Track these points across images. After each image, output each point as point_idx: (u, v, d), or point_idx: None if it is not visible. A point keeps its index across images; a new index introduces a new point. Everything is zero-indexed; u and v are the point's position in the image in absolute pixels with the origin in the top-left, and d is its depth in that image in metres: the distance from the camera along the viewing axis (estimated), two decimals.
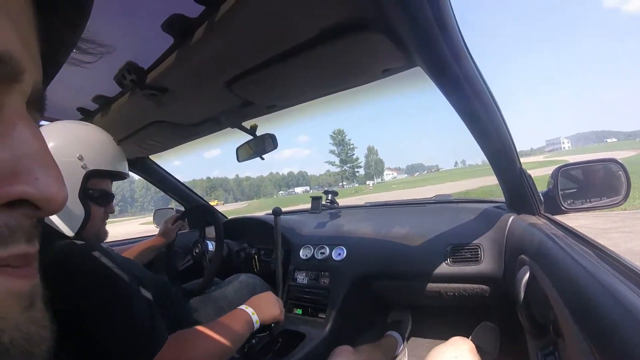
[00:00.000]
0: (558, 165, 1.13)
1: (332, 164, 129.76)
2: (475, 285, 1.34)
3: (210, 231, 1.95)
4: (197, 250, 1.62)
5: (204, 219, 2.09)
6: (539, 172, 12.39)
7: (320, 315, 1.51)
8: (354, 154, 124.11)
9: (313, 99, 1.14)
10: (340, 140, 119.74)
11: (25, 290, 0.23)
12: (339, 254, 1.59)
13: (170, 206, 2.39)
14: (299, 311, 1.58)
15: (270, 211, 1.55)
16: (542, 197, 1.16)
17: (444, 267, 1.34)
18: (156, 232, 1.63)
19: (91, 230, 0.95)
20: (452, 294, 1.41)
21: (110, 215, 1.03)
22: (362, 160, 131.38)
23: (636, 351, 0.40)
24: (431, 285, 1.42)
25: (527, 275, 0.85)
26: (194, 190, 2.23)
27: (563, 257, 0.72)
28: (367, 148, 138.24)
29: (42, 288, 0.25)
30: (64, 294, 0.74)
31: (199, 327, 0.91)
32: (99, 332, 0.76)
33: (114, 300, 0.79)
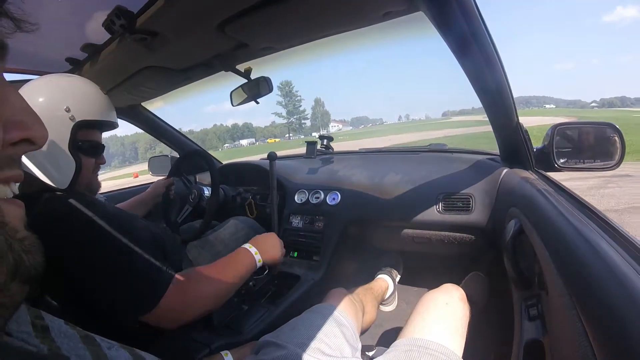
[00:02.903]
0: (555, 124, 1.13)
1: (279, 115, 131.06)
2: (464, 235, 1.38)
3: (206, 177, 1.97)
4: (193, 197, 1.64)
5: (198, 165, 2.10)
6: (478, 129, 12.25)
7: (315, 257, 1.56)
8: (300, 106, 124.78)
9: (310, 41, 1.10)
10: (287, 92, 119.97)
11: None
12: (333, 199, 1.61)
13: (164, 153, 2.38)
14: (294, 254, 1.62)
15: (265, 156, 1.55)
16: (536, 153, 1.17)
17: (435, 215, 1.37)
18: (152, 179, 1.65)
19: (83, 182, 0.96)
20: (440, 240, 1.44)
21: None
22: (308, 112, 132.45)
23: (617, 305, 0.42)
24: (421, 232, 1.46)
25: (517, 228, 0.87)
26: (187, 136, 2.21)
27: (553, 213, 0.73)
28: (314, 100, 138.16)
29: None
30: (59, 245, 0.77)
31: (204, 267, 0.93)
32: (99, 282, 0.79)
33: (110, 249, 0.81)
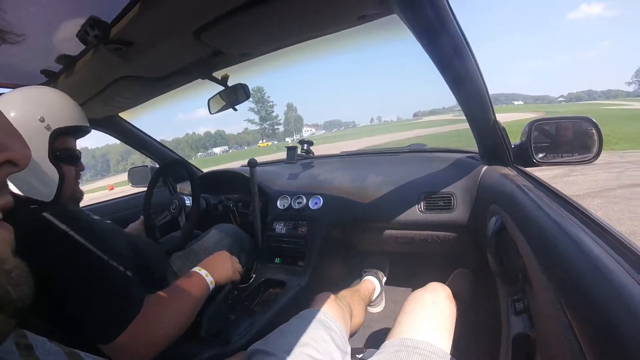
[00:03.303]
0: (532, 119, 1.14)
1: (252, 121, 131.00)
2: (447, 233, 1.40)
3: (187, 186, 1.95)
4: (173, 207, 1.60)
5: (179, 174, 2.08)
6: (448, 128, 12.68)
7: (300, 263, 1.55)
8: (273, 111, 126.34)
9: (287, 47, 1.12)
10: (259, 98, 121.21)
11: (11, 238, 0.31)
12: (316, 203, 1.61)
13: (136, 165, 2.35)
14: (279, 260, 1.62)
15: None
16: (514, 150, 1.18)
17: (418, 214, 1.39)
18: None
19: (67, 191, 0.96)
20: (424, 239, 1.46)
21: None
22: (281, 118, 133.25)
23: (600, 298, 0.42)
24: (405, 232, 1.48)
25: (498, 224, 0.88)
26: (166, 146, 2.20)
27: (533, 208, 0.74)
28: (286, 105, 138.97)
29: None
30: (43, 258, 0.76)
31: (159, 296, 0.90)
32: (73, 296, 0.78)
33: (89, 264, 0.81)
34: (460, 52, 0.83)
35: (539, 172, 1.08)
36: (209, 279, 1.02)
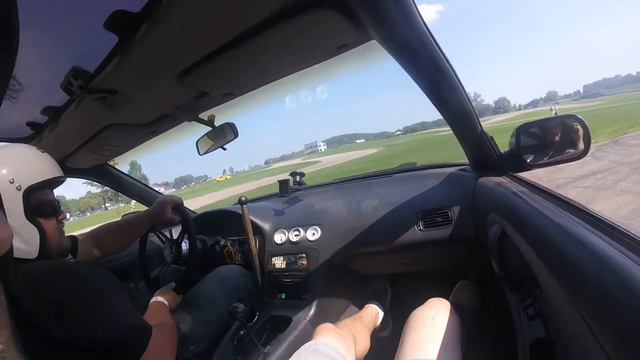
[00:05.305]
0: (519, 125, 1.15)
1: (91, 184, 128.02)
2: (448, 248, 1.38)
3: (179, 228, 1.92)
4: (167, 252, 1.56)
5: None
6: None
7: (303, 296, 1.52)
8: None
9: (270, 82, 1.13)
10: None
11: None
12: (313, 234, 1.59)
13: (135, 210, 2.32)
14: (283, 295, 1.58)
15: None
16: (505, 157, 1.19)
17: (417, 234, 1.37)
18: None
19: (53, 244, 0.95)
20: (426, 258, 1.45)
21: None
22: None
23: (613, 293, 0.41)
24: (406, 252, 1.45)
25: (499, 232, 0.88)
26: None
27: (531, 212, 0.74)
28: (129, 164, 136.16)
29: None
30: (41, 312, 0.75)
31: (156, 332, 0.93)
32: (85, 337, 0.78)
33: (91, 312, 0.81)
34: (441, 69, 0.85)
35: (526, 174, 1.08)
36: (166, 303, 1.18)
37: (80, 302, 0.80)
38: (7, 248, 0.28)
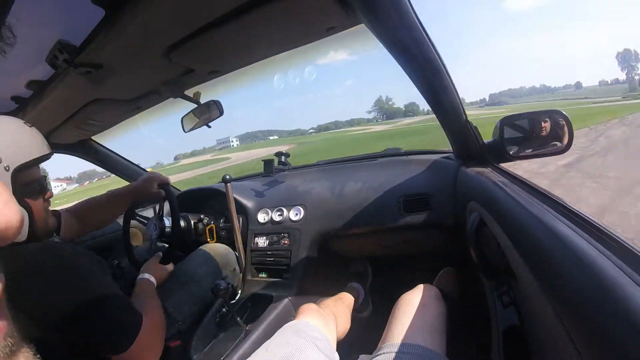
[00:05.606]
0: (503, 117, 1.16)
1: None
2: (427, 233, 1.42)
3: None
4: (150, 231, 1.53)
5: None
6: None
7: (285, 275, 1.55)
8: None
9: (257, 61, 1.13)
10: None
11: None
12: (297, 214, 1.61)
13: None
14: (264, 274, 1.61)
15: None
16: (487, 147, 1.19)
17: (398, 217, 1.40)
18: None
19: (40, 225, 0.91)
20: (406, 241, 1.49)
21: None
22: None
23: (583, 286, 0.43)
24: (387, 236, 1.49)
25: (477, 221, 0.90)
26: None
27: (511, 203, 0.75)
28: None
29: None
30: (35, 297, 0.76)
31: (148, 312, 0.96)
32: (76, 326, 0.79)
33: (82, 295, 0.81)
34: (428, 57, 0.86)
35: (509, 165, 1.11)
36: (153, 280, 1.20)
37: (70, 293, 0.80)
38: (19, 233, 0.27)
